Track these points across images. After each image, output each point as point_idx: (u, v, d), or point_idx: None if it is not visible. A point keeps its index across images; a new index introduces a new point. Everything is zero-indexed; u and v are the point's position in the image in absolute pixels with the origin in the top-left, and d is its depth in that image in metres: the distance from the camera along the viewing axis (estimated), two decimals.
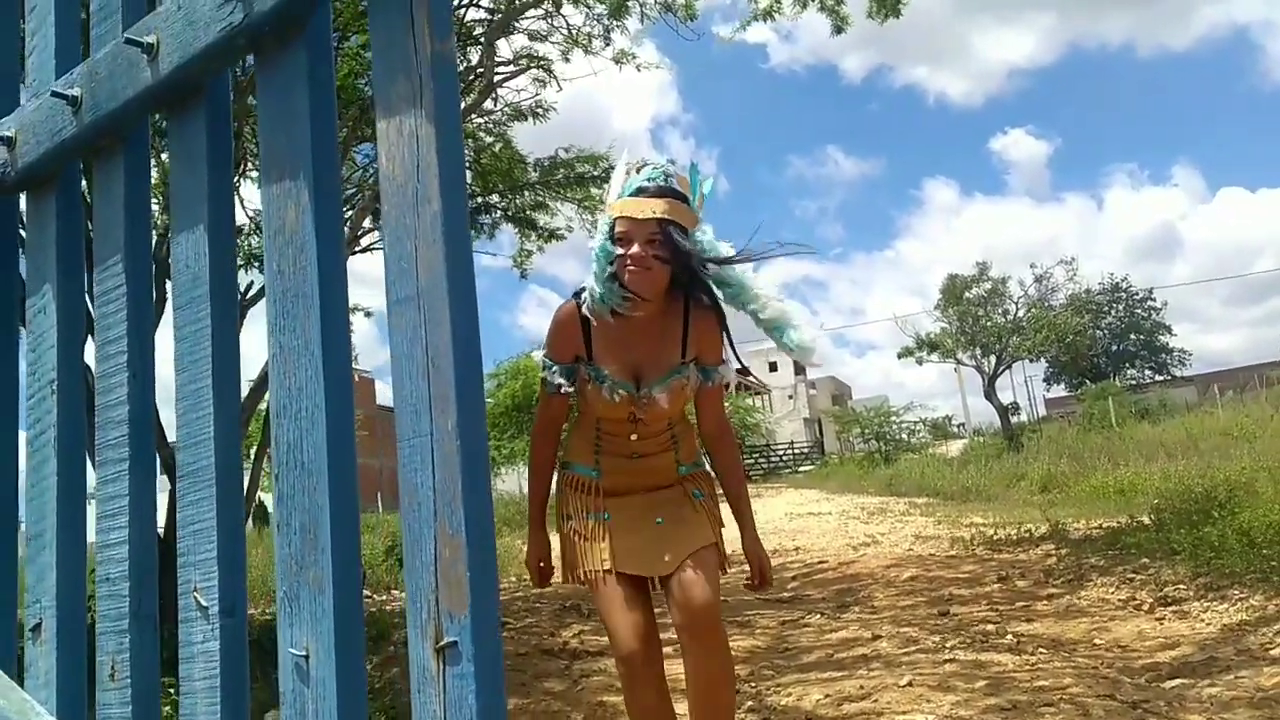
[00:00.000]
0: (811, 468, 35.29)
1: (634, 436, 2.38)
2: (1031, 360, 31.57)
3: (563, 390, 2.33)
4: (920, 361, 28.97)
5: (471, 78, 7.96)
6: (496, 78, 7.86)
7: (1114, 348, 51.07)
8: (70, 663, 1.07)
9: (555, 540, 2.49)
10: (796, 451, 41.08)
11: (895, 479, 20.50)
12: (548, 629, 6.38)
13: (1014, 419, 27.94)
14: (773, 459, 38.72)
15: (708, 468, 2.53)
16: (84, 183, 1.40)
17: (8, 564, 1.21)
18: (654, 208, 2.16)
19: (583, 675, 5.20)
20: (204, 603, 0.92)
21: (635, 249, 2.15)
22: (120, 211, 1.07)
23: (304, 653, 0.82)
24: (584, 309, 2.29)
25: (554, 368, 2.34)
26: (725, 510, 2.55)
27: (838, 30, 9.79)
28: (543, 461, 2.44)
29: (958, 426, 43.53)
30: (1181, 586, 5.88)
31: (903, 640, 5.31)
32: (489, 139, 8.68)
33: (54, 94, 1.08)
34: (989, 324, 27.79)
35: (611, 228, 2.23)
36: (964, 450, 28.85)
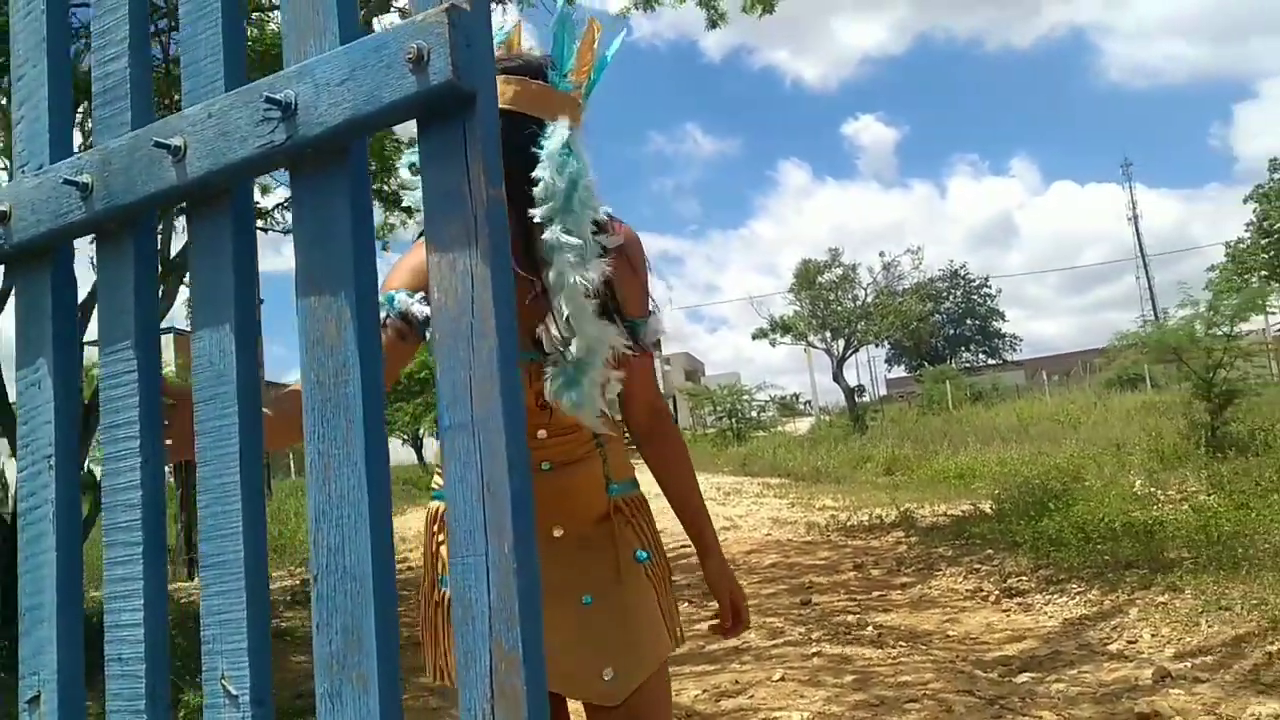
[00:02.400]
0: None
1: (541, 433, 1.71)
2: (877, 345, 32.82)
3: (404, 335, 1.59)
4: (774, 343, 29.80)
5: None
6: None
7: (951, 331, 53.53)
8: None
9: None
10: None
11: (749, 458, 21.07)
12: None
13: (859, 399, 28.99)
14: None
15: (641, 493, 1.86)
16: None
17: None
18: None
19: None
20: (233, 691, 0.97)
21: None
22: (130, 296, 1.10)
23: None
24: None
25: (394, 299, 1.59)
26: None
27: (713, 25, 9.95)
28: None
29: (805, 404, 44.86)
30: (1024, 578, 6.31)
31: (770, 631, 5.57)
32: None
33: (65, 181, 1.09)
34: (839, 308, 28.74)
35: None
36: (812, 429, 29.85)
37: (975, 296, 54.91)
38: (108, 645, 1.06)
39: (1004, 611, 5.66)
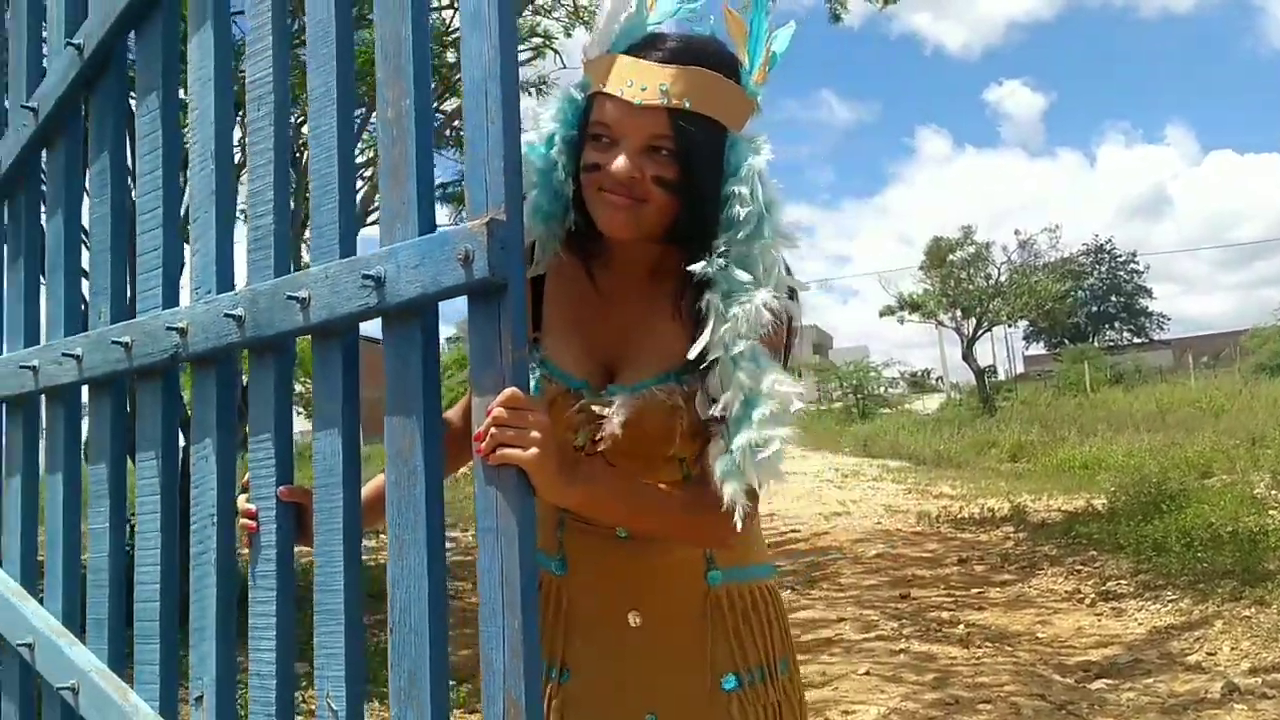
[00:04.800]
0: None
1: None
2: (1010, 326, 32.10)
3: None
4: (901, 321, 29.51)
5: None
6: None
7: (1094, 309, 51.76)
8: None
9: None
10: None
11: (870, 439, 21.05)
12: None
13: (990, 379, 28.54)
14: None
15: (770, 575, 1.52)
16: None
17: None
18: (666, 84, 1.27)
19: None
20: (335, 707, 1.34)
21: (620, 161, 1.29)
22: (271, 408, 1.48)
23: None
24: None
25: None
26: None
27: (836, 18, 10.02)
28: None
29: (936, 380, 44.22)
30: (1123, 582, 6.40)
31: (864, 625, 5.84)
32: None
33: (226, 314, 1.47)
34: (970, 287, 28.27)
35: (585, 109, 1.37)
36: (941, 407, 29.48)
37: (1121, 272, 52.96)
38: (251, 663, 1.46)
39: (1096, 615, 5.79)
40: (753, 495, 1.30)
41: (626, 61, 1.31)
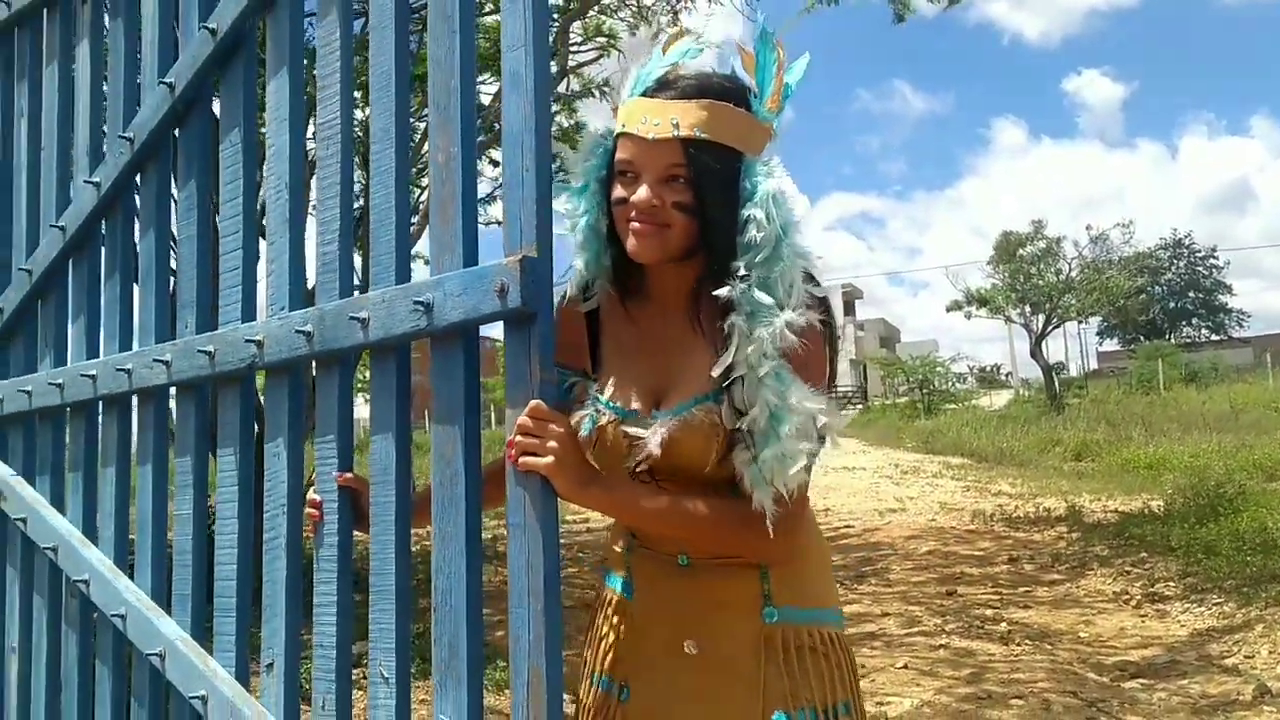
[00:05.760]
0: (853, 413, 35.73)
1: None
2: (1081, 322, 31.61)
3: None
4: (969, 316, 29.22)
5: None
6: (570, 63, 8.32)
7: (1171, 305, 50.68)
8: (290, 690, 1.72)
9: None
10: (840, 395, 41.52)
11: (933, 435, 20.95)
12: (589, 581, 7.07)
13: (1060, 376, 28.17)
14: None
15: (836, 623, 1.54)
16: None
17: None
18: (677, 117, 1.39)
19: None
20: (386, 676, 1.55)
21: (642, 192, 1.41)
22: (334, 413, 1.69)
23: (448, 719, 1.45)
24: (578, 289, 1.60)
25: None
26: None
27: (899, 19, 10.05)
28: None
29: (1006, 376, 43.72)
30: (1170, 584, 6.43)
31: (907, 620, 5.95)
32: (565, 121, 9.06)
33: (297, 330, 1.68)
34: (1040, 282, 27.92)
35: (611, 151, 1.50)
36: (1009, 403, 29.19)
37: (1200, 268, 51.74)
38: (315, 633, 1.67)
39: (1141, 617, 5.85)
40: (780, 502, 1.35)
41: (643, 102, 1.43)
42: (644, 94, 1.44)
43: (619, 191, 1.45)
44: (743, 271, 1.37)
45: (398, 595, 1.57)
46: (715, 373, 1.38)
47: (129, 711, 2.11)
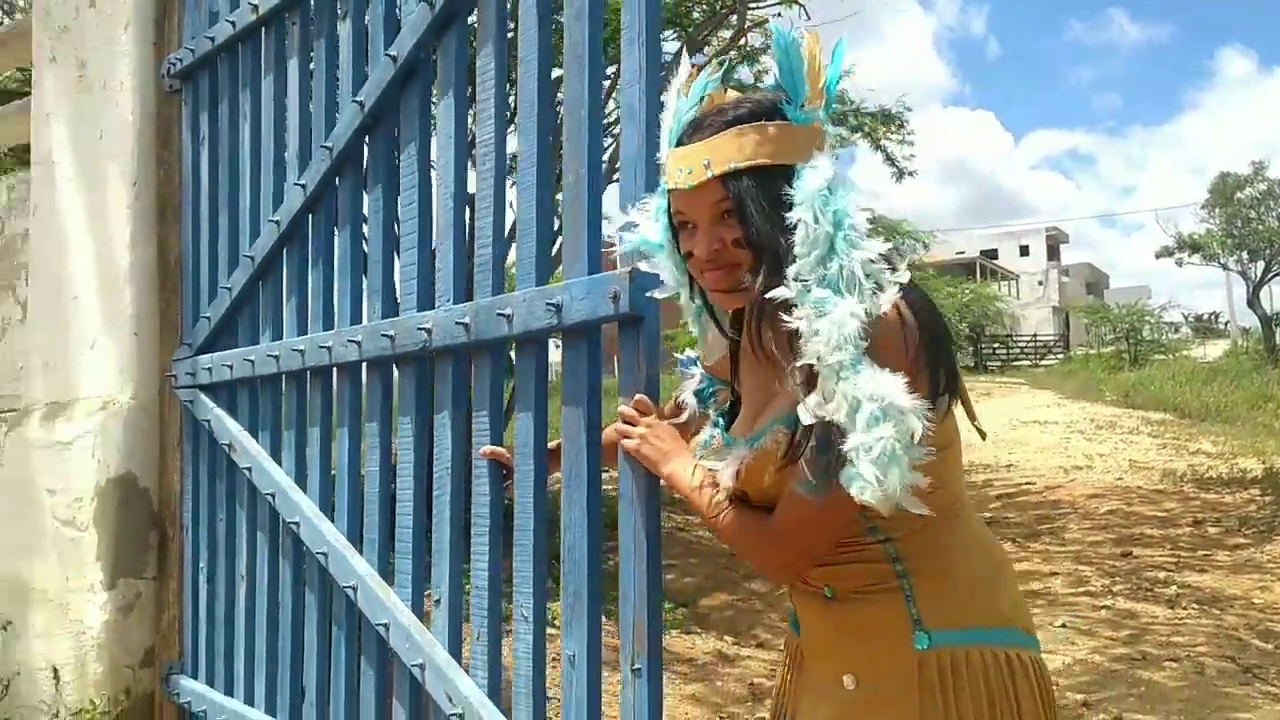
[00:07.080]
0: (1054, 362, 34.30)
1: None
2: None
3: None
4: (1180, 263, 27.55)
5: (722, 9, 8.48)
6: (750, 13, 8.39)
7: None
8: (454, 622, 2.09)
9: None
10: (1039, 344, 39.87)
11: (1135, 387, 19.99)
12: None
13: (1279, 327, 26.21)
14: (1012, 350, 37.81)
15: (1015, 643, 1.39)
16: None
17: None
18: (709, 158, 1.37)
19: None
20: (525, 614, 1.87)
21: (701, 242, 1.41)
22: (488, 391, 2.01)
23: (571, 654, 1.76)
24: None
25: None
26: None
27: None
28: None
29: (1224, 325, 40.94)
30: None
31: (1075, 580, 5.97)
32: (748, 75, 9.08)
33: (456, 322, 2.01)
34: (1260, 227, 25.99)
35: (669, 207, 1.48)
36: (1223, 355, 27.46)
37: None
38: (474, 577, 2.01)
39: None
40: (886, 500, 1.20)
41: (676, 153, 1.42)
42: (678, 144, 1.43)
43: (685, 244, 1.44)
44: (801, 275, 1.30)
45: (535, 550, 1.89)
46: (796, 380, 1.28)
47: (330, 633, 2.53)
